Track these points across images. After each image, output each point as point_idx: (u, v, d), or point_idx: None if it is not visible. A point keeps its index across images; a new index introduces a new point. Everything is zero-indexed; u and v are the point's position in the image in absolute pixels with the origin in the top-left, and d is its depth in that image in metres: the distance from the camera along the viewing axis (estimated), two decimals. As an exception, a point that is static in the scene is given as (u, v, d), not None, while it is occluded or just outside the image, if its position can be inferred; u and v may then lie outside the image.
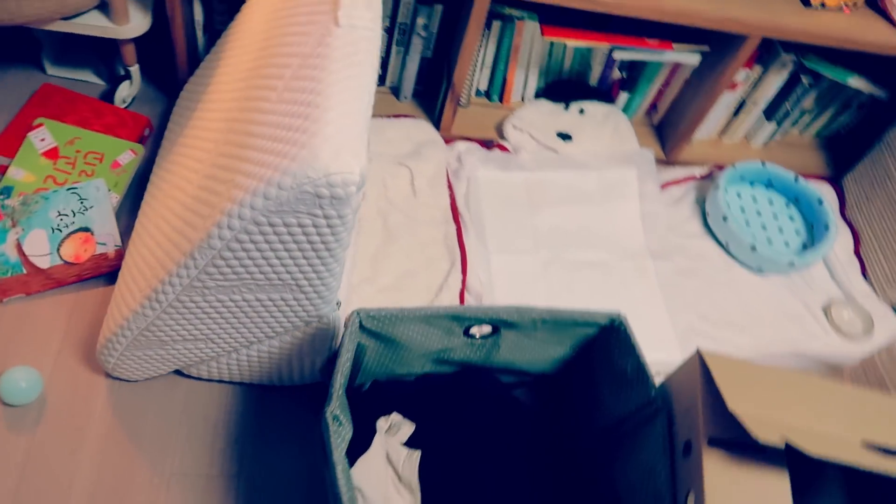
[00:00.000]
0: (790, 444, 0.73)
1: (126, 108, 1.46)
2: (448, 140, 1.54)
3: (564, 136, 1.58)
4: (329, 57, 0.79)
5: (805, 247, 1.55)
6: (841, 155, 1.75)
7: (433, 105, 1.58)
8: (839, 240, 1.59)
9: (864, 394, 0.99)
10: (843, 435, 0.81)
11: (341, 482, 0.77)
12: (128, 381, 1.13)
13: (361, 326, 0.91)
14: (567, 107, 1.61)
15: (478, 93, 1.63)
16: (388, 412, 1.07)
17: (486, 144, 1.56)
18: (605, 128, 1.61)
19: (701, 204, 1.59)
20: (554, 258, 1.42)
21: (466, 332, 1.00)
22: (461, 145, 1.54)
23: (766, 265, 1.48)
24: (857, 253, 1.60)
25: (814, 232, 1.56)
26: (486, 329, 1.00)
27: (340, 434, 0.82)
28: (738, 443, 0.82)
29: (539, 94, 1.64)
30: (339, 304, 0.96)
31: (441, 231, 1.41)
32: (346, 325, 1.04)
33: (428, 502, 1.01)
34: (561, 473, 1.10)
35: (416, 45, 1.48)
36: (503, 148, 1.55)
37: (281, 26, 0.92)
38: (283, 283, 0.86)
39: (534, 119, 1.58)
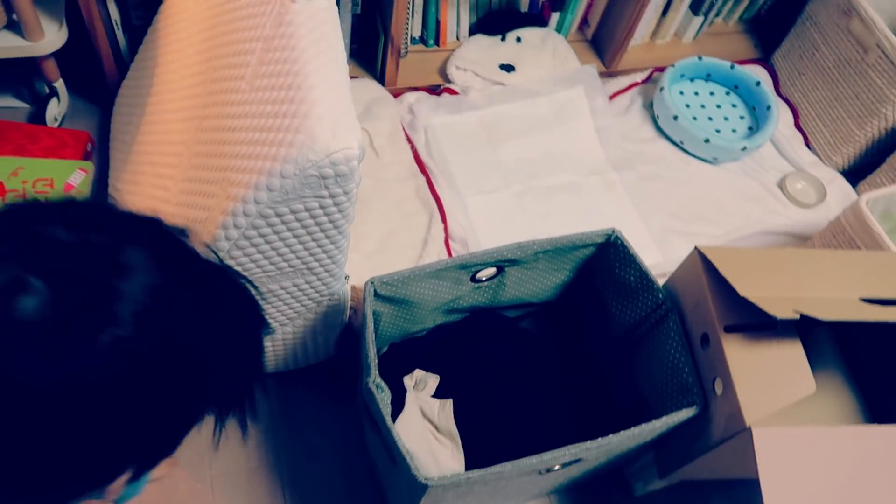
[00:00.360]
0: (804, 316, 0.79)
1: (60, 126, 1.39)
2: (396, 93, 1.53)
3: (507, 68, 1.58)
4: (294, 35, 0.77)
5: (751, 130, 1.62)
6: (766, 35, 1.81)
7: (373, 61, 1.56)
8: (780, 117, 1.67)
9: (844, 255, 1.07)
10: (841, 296, 0.88)
11: (400, 443, 0.80)
12: (143, 399, 1.12)
13: (376, 294, 0.92)
14: (504, 38, 1.61)
15: (413, 40, 1.61)
16: (409, 370, 1.10)
17: (434, 90, 1.55)
18: (545, 52, 1.62)
19: (649, 108, 1.63)
20: (525, 189, 1.45)
21: (473, 278, 1.02)
22: (410, 96, 1.53)
23: (720, 154, 1.54)
24: (797, 126, 1.68)
25: (756, 114, 1.63)
26: (491, 271, 1.03)
27: (385, 400, 0.84)
28: (751, 325, 0.88)
29: (473, 31, 1.63)
30: (347, 277, 0.97)
31: (411, 186, 1.41)
32: (356, 297, 1.05)
33: (468, 445, 1.05)
34: (583, 389, 1.15)
35: (346, 3, 1.45)
36: (451, 91, 1.54)
37: (228, 11, 0.89)
38: (295, 270, 0.86)
39: (474, 56, 1.58)
